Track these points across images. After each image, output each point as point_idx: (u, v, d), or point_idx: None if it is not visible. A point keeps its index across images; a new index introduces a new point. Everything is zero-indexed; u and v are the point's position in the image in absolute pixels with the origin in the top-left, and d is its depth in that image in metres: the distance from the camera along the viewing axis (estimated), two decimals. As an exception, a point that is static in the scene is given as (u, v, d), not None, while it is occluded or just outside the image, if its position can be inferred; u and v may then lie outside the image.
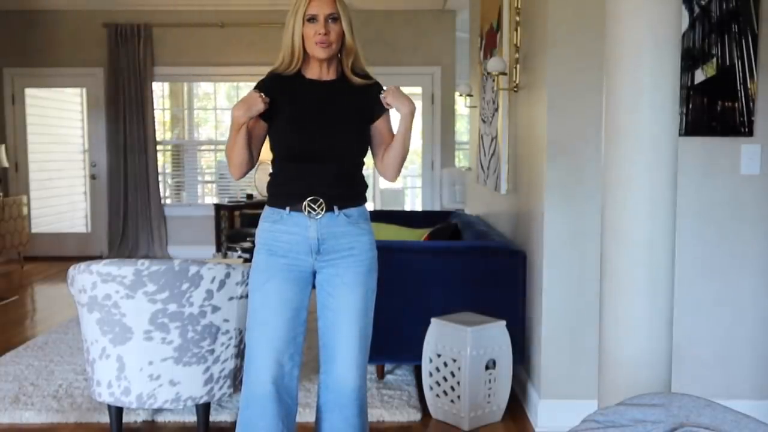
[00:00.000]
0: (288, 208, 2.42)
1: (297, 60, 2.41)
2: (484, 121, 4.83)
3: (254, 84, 2.46)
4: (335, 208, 2.42)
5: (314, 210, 2.40)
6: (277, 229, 2.44)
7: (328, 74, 2.46)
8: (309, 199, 2.40)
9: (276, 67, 2.46)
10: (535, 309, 3.51)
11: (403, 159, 2.50)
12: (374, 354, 3.70)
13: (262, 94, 2.37)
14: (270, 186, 2.51)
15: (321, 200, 2.40)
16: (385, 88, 2.47)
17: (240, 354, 3.13)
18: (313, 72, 2.45)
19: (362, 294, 2.46)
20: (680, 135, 3.12)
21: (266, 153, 2.54)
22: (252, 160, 2.46)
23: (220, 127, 8.91)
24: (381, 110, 2.48)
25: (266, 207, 2.50)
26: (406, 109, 2.40)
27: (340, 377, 2.46)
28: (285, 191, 2.45)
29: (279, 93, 2.42)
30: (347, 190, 2.46)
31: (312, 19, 2.36)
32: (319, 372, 2.55)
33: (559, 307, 3.35)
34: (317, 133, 2.40)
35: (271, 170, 2.53)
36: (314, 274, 2.48)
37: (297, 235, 2.42)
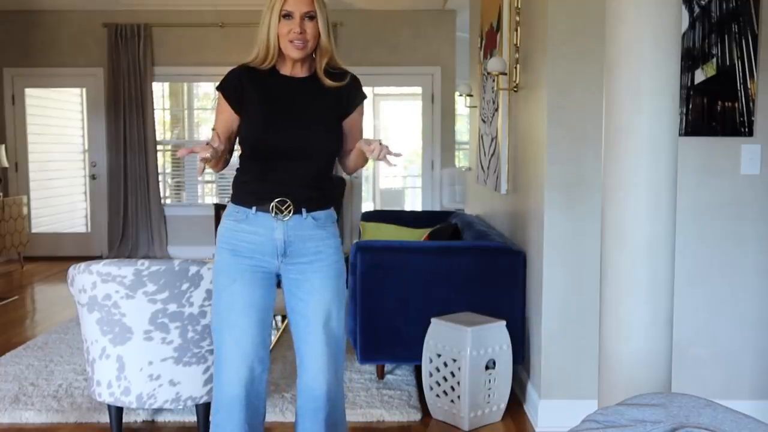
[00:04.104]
0: (254, 208, 2.35)
1: (272, 57, 2.35)
2: (484, 121, 4.83)
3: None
4: (303, 210, 2.36)
5: (281, 212, 2.34)
6: (241, 228, 2.37)
7: (302, 71, 2.40)
8: (277, 200, 2.34)
9: (249, 61, 2.40)
10: (535, 309, 3.51)
11: (359, 168, 2.52)
12: (374, 354, 3.74)
13: (215, 135, 2.26)
14: (236, 182, 2.43)
15: (289, 202, 2.34)
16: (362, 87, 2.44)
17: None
18: (286, 68, 2.40)
19: (330, 298, 2.40)
20: (680, 135, 3.12)
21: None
22: (230, 156, 2.44)
23: (220, 127, 8.90)
24: (352, 107, 2.43)
25: (230, 204, 2.42)
26: (366, 158, 2.36)
27: (310, 382, 2.41)
28: (252, 189, 2.38)
29: (250, 86, 2.37)
30: (316, 192, 2.40)
31: (288, 15, 2.30)
32: None
33: (559, 307, 3.35)
34: (288, 130, 2.34)
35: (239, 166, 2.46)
36: (278, 275, 2.42)
37: (262, 236, 2.36)
